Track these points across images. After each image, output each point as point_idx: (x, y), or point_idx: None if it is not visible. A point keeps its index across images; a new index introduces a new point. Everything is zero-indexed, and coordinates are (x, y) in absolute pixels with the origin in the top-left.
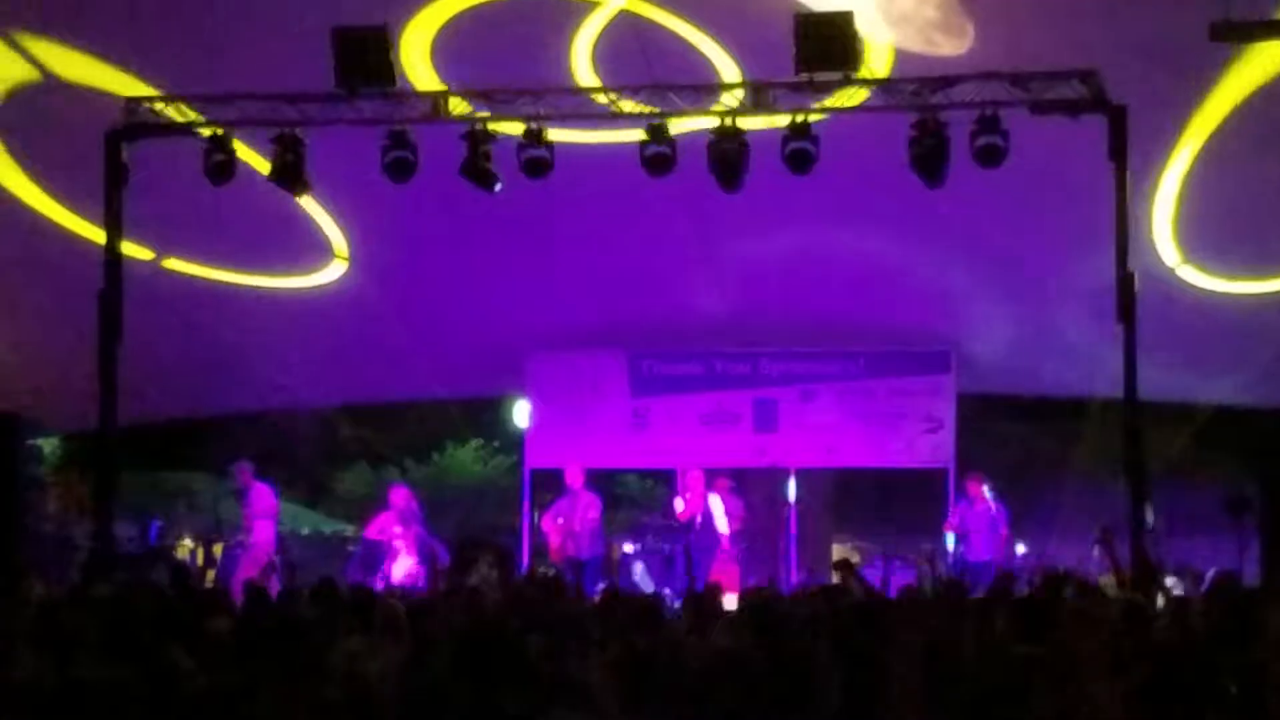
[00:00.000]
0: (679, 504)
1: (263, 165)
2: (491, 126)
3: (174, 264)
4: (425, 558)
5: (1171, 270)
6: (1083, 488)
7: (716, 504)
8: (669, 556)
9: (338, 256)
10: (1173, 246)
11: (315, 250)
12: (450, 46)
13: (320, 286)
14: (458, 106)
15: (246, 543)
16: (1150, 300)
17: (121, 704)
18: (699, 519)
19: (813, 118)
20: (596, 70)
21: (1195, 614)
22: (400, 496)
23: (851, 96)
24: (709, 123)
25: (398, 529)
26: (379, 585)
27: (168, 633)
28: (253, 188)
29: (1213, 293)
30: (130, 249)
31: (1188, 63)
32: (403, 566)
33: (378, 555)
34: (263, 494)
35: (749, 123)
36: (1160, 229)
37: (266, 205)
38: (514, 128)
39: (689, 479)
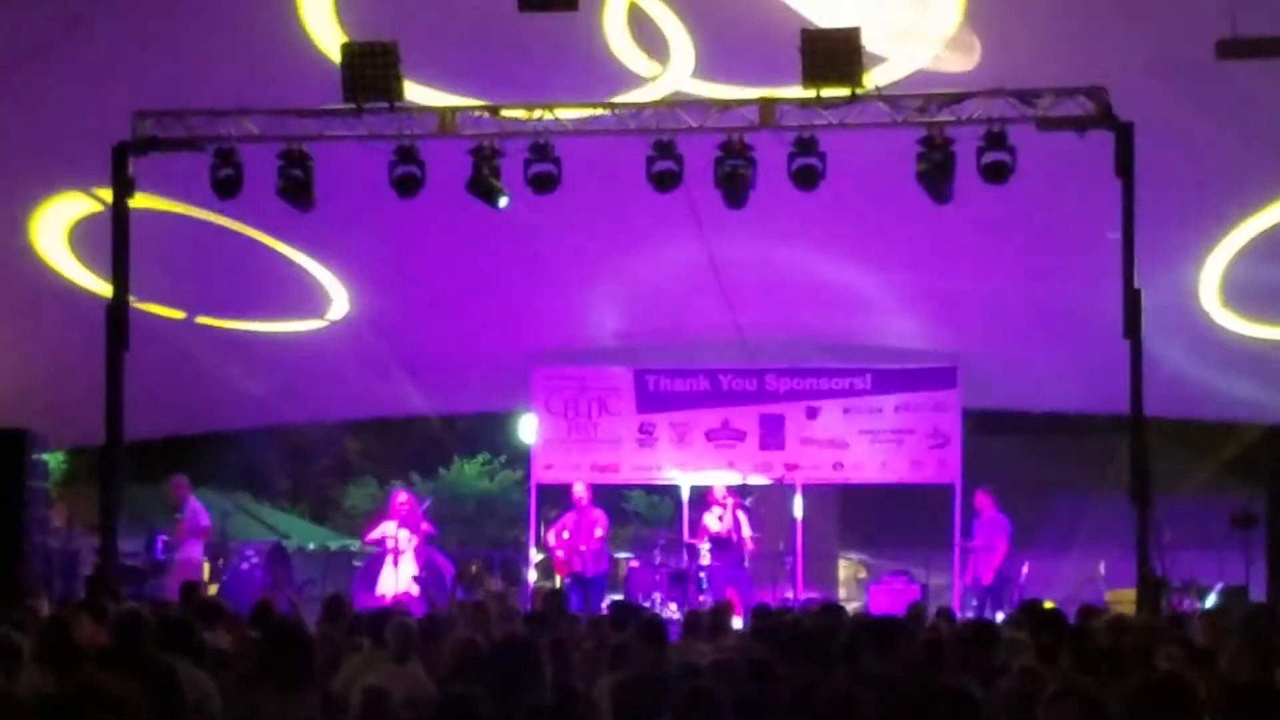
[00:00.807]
0: (714, 521)
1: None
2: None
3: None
4: (428, 569)
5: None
6: (1087, 503)
7: (743, 519)
8: (678, 573)
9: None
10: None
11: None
12: (458, 60)
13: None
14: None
15: (174, 560)
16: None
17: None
18: (734, 535)
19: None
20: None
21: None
22: (403, 502)
23: (859, 114)
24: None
25: (404, 533)
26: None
27: (173, 646)
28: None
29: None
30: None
31: (1195, 80)
32: (400, 574)
33: (378, 571)
34: (198, 512)
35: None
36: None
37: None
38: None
39: (723, 495)
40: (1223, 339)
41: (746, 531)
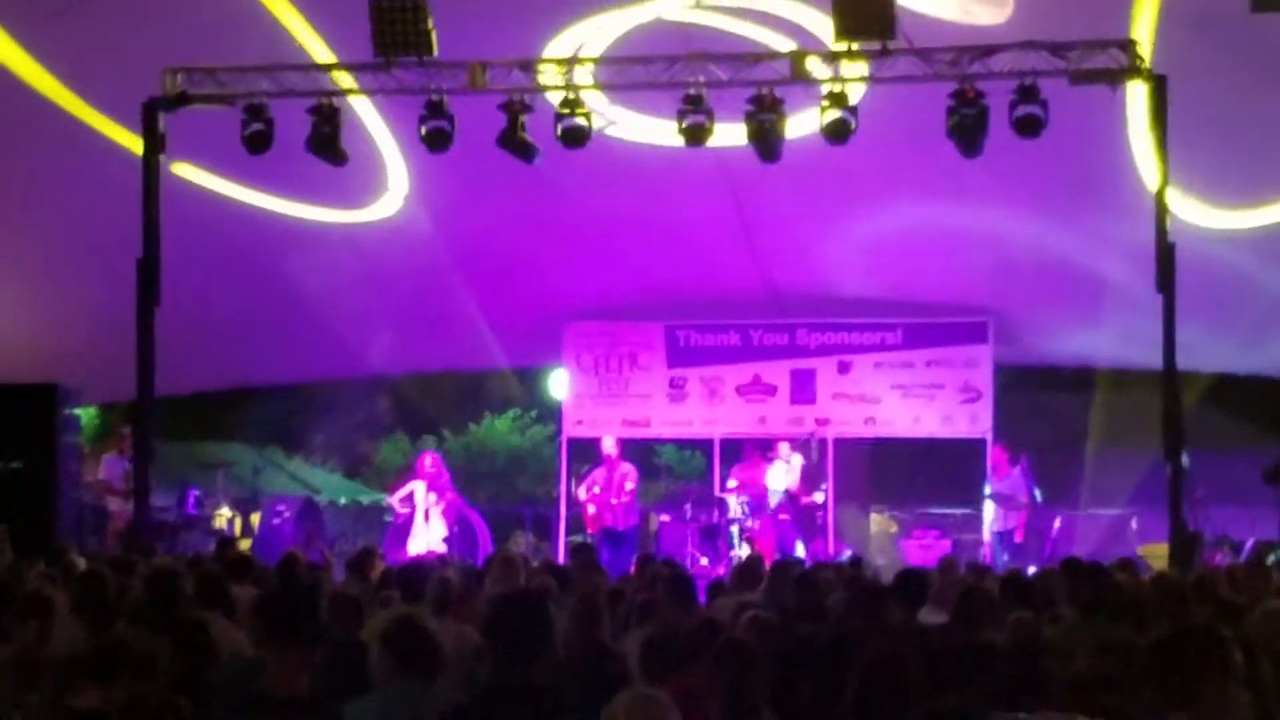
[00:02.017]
0: (779, 476)
1: None
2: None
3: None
4: (462, 526)
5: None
6: (1119, 458)
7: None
8: (709, 528)
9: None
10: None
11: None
12: (489, 16)
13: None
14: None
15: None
16: (1187, 268)
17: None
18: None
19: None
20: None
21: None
22: (430, 463)
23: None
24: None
25: (432, 497)
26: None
27: (207, 602)
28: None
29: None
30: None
31: (1228, 32)
32: (430, 535)
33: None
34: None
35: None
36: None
37: None
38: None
39: (788, 452)
40: (1256, 293)
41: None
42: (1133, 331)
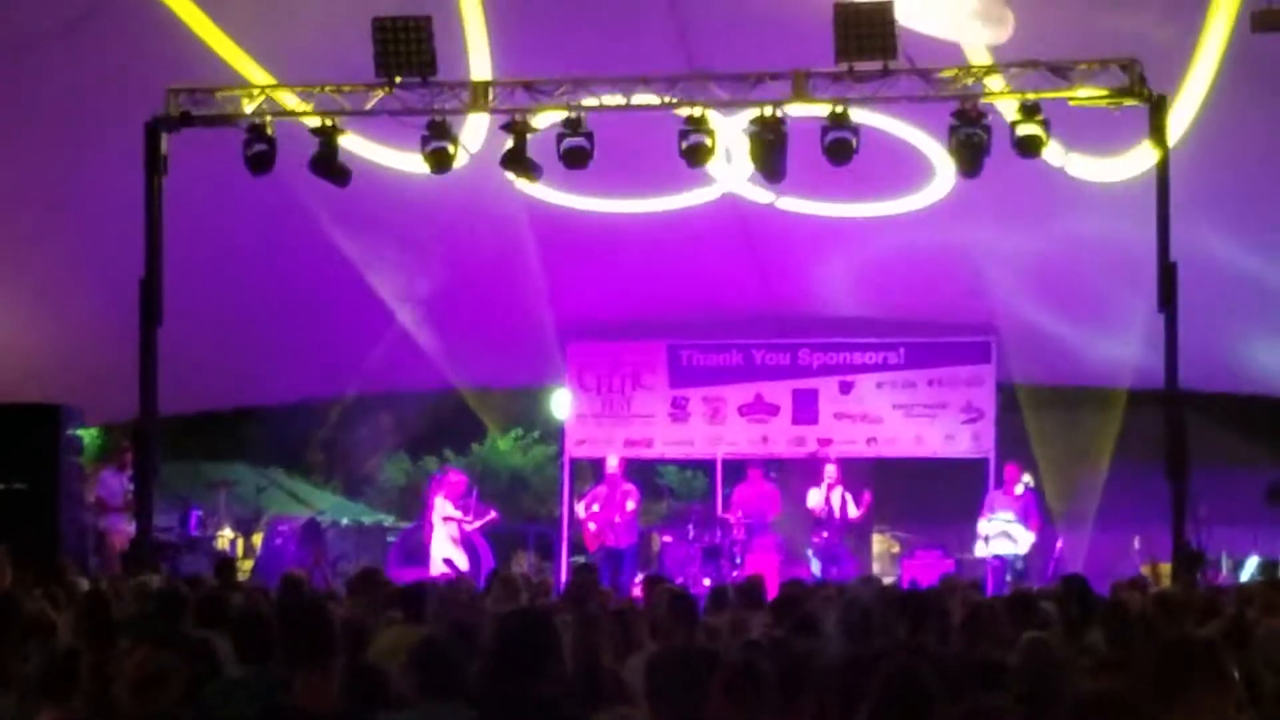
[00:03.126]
0: (817, 498)
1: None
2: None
3: None
4: (465, 546)
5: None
6: (1123, 477)
7: (848, 499)
8: (711, 548)
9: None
10: None
11: None
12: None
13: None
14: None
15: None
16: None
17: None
18: (836, 513)
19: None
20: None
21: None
22: (456, 480)
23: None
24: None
25: (459, 515)
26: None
27: (210, 621)
28: None
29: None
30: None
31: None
32: (448, 555)
33: (419, 544)
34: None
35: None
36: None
37: None
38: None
39: (833, 476)
40: (1261, 311)
41: (853, 510)
42: (1135, 350)
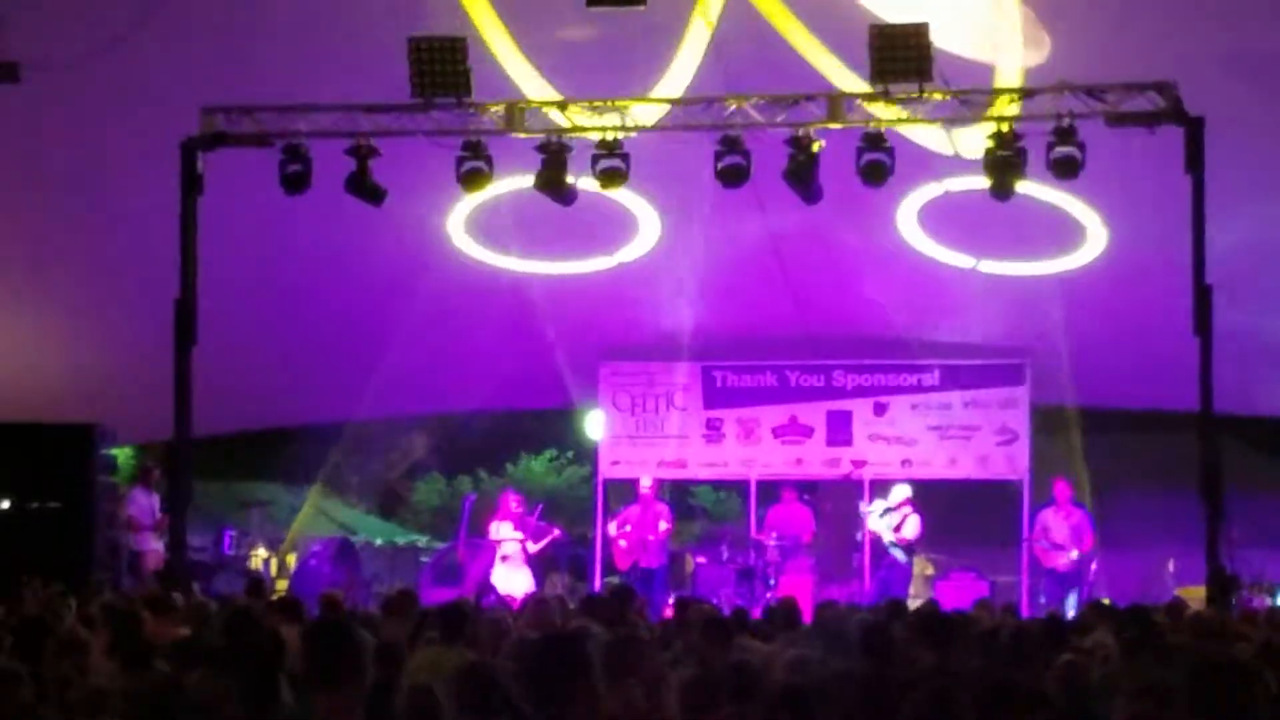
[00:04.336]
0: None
1: None
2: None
3: None
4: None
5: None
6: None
7: (914, 522)
8: (745, 569)
9: None
10: None
11: None
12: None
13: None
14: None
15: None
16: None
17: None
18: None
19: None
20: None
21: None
22: (515, 504)
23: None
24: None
25: (520, 536)
26: (468, 594)
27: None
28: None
29: None
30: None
31: (1266, 73)
32: (517, 580)
33: (452, 564)
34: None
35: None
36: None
37: None
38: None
39: (900, 500)
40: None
41: (909, 532)
42: (1170, 372)
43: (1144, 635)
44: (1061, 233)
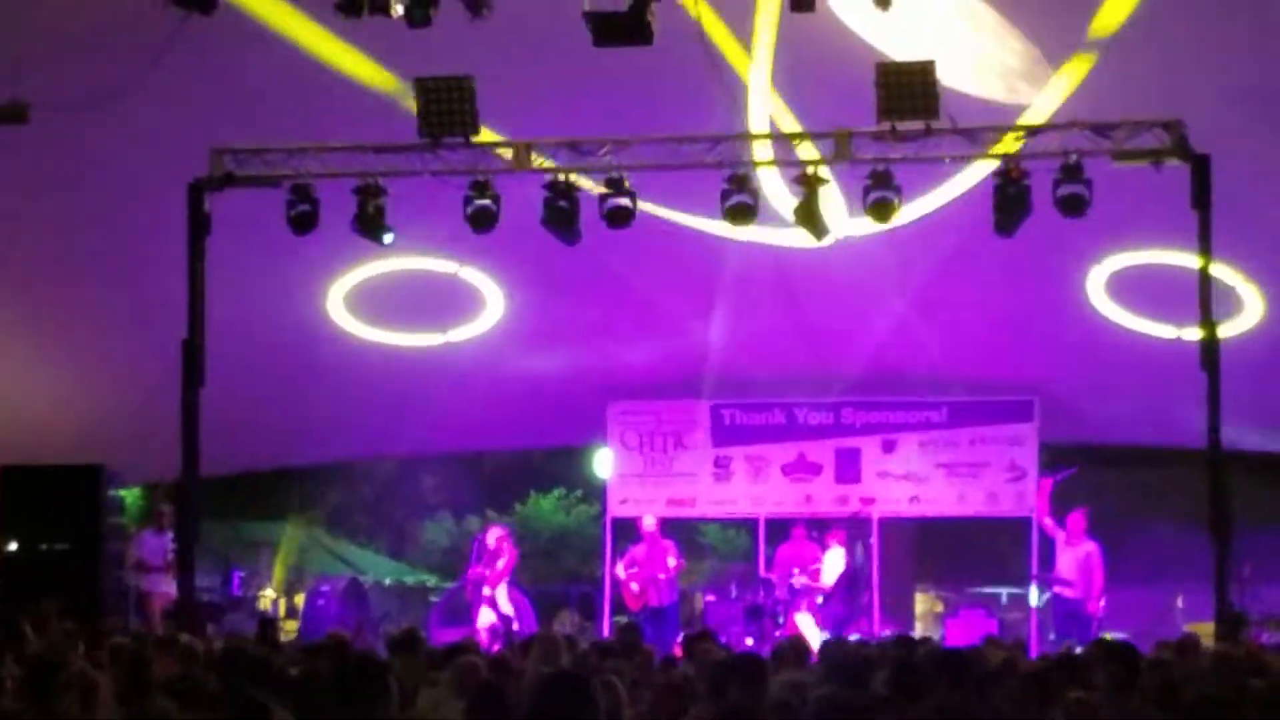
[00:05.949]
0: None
1: None
2: (574, 178)
3: None
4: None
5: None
6: (1164, 536)
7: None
8: (754, 607)
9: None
10: None
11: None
12: (534, 97)
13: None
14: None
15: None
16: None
17: None
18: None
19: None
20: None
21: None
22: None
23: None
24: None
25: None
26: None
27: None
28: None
29: None
30: None
31: (1272, 110)
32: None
33: (461, 604)
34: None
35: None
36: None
37: None
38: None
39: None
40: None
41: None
42: (1178, 409)
43: (1131, 673)
44: None
